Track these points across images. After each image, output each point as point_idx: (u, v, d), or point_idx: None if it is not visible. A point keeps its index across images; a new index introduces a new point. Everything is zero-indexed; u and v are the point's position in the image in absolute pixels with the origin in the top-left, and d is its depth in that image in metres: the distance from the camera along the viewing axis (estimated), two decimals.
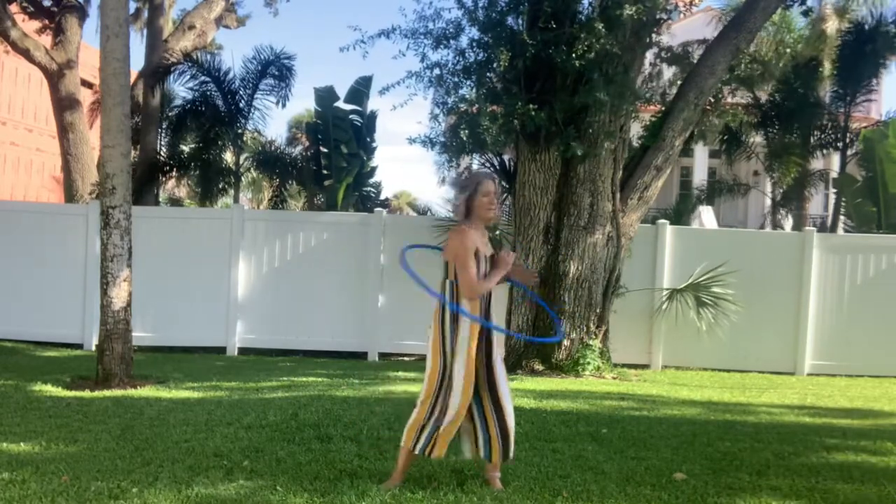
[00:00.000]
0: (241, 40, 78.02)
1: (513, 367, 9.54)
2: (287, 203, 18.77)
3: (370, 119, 17.75)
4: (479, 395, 4.04)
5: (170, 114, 16.80)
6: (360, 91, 17.31)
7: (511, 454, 4.11)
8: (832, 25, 16.96)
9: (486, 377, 4.03)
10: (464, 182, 4.17)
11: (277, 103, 16.08)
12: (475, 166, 12.36)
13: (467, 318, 3.94)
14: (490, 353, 4.04)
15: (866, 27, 15.00)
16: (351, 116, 17.27)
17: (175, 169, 16.28)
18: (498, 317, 10.36)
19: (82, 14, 16.07)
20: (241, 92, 15.63)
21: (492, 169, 11.19)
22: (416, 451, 4.01)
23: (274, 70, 15.74)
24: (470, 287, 3.91)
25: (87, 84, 19.89)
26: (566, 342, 9.48)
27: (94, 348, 10.08)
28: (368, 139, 17.89)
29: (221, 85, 15.52)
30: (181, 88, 16.72)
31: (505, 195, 11.23)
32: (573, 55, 8.60)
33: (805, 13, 10.81)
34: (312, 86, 30.56)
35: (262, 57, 15.66)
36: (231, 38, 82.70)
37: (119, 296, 7.78)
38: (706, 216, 17.89)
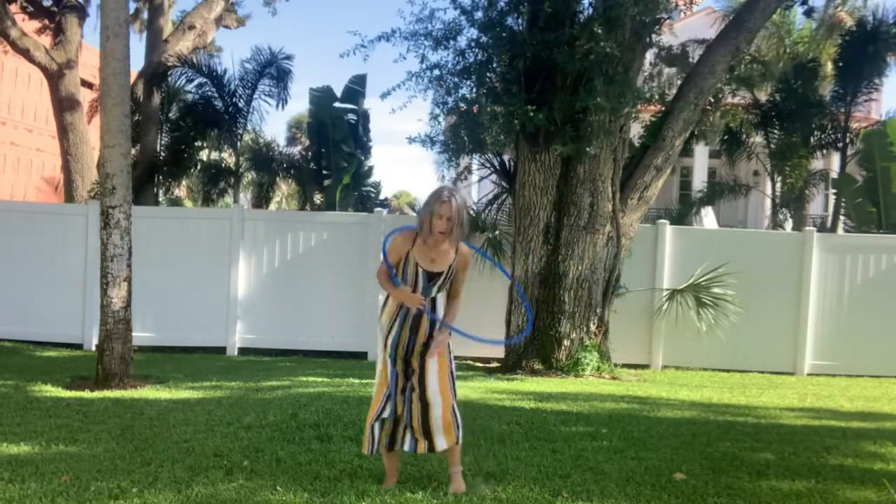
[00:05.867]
0: (241, 40, 78.18)
1: (513, 367, 9.55)
2: (271, 201, 18.79)
3: (364, 117, 17.72)
4: (407, 391, 4.05)
5: (169, 114, 16.80)
6: (354, 90, 17.30)
7: (437, 447, 4.02)
8: (834, 25, 16.95)
9: (418, 374, 4.04)
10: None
11: (277, 105, 16.24)
12: (475, 166, 12.33)
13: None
14: (422, 350, 4.05)
15: (868, 27, 15.00)
16: (348, 116, 17.27)
17: (174, 169, 16.28)
18: (497, 317, 10.32)
19: (82, 14, 16.06)
20: (239, 92, 15.65)
21: (492, 169, 11.16)
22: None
23: (272, 71, 15.79)
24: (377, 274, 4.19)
25: (87, 84, 19.87)
26: (566, 342, 9.48)
27: (94, 348, 10.08)
28: (364, 137, 17.87)
29: (220, 86, 15.53)
30: (181, 89, 16.73)
31: (505, 195, 11.22)
32: (574, 56, 8.60)
33: (807, 13, 10.78)
34: (310, 85, 30.64)
35: (262, 58, 15.74)
36: (231, 39, 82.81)
37: (119, 296, 7.78)
38: (707, 218, 17.87)
